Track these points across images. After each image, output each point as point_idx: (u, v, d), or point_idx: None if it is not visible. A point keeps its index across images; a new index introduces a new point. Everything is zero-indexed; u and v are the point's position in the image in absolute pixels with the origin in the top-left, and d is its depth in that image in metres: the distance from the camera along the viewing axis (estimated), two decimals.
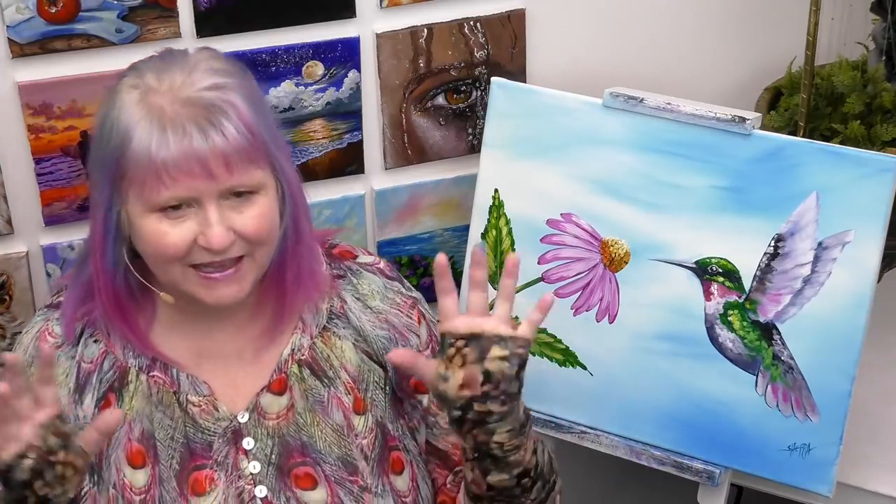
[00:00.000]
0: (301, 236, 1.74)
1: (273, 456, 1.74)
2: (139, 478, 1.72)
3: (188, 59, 1.66)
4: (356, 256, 1.87)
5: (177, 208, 1.62)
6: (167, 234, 1.63)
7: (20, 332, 1.98)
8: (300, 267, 1.75)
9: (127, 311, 1.72)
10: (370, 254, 1.90)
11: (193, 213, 1.63)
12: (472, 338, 1.63)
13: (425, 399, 1.83)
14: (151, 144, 1.59)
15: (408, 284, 1.89)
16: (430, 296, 2.25)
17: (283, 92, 2.05)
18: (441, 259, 1.67)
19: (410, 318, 1.84)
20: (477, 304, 1.67)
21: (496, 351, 1.62)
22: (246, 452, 1.74)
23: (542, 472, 1.73)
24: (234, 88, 1.63)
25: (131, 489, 1.72)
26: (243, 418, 1.74)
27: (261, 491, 1.72)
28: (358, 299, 1.82)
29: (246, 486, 1.72)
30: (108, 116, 1.64)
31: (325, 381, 1.78)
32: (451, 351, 1.63)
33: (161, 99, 1.61)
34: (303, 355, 1.78)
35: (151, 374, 1.74)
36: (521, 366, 1.64)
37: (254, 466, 1.73)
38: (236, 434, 1.74)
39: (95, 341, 1.75)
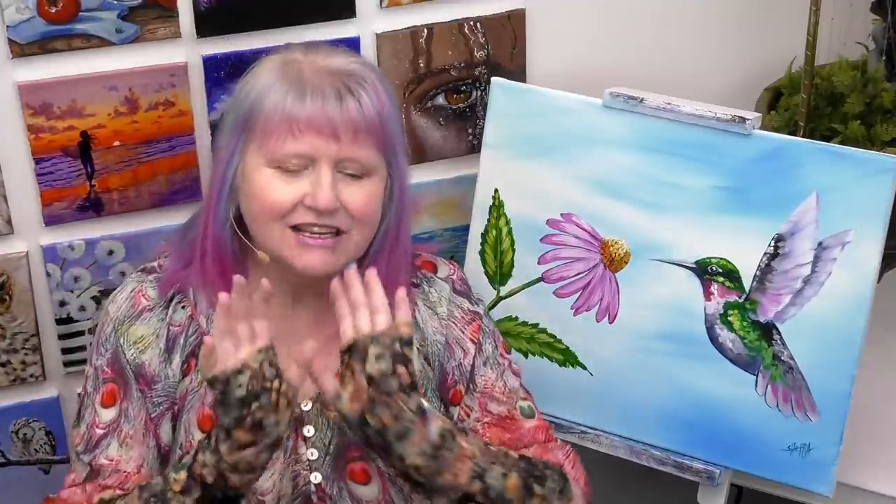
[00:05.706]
0: (399, 242, 1.78)
1: (331, 446, 1.77)
2: None
3: (333, 48, 1.76)
4: (437, 270, 1.88)
5: (292, 170, 1.68)
6: (277, 188, 1.68)
7: (20, 332, 1.99)
8: (391, 274, 1.75)
9: (225, 266, 1.75)
10: (449, 265, 1.90)
11: (307, 174, 1.68)
12: (351, 348, 1.63)
13: (456, 411, 1.84)
14: (287, 100, 1.67)
15: (476, 298, 1.89)
16: None
17: None
18: (335, 284, 1.68)
19: (464, 332, 1.85)
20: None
21: (371, 351, 1.62)
22: (305, 439, 1.77)
23: (498, 499, 1.66)
24: (374, 73, 1.73)
25: None
26: (306, 406, 1.77)
27: (316, 477, 1.77)
28: (428, 307, 1.84)
29: (302, 471, 1.77)
30: (248, 80, 1.73)
31: None
32: (342, 368, 1.64)
33: (303, 66, 1.70)
34: None
35: None
36: (400, 361, 1.62)
37: (311, 453, 1.77)
38: (298, 420, 1.77)
39: (183, 307, 1.79)
